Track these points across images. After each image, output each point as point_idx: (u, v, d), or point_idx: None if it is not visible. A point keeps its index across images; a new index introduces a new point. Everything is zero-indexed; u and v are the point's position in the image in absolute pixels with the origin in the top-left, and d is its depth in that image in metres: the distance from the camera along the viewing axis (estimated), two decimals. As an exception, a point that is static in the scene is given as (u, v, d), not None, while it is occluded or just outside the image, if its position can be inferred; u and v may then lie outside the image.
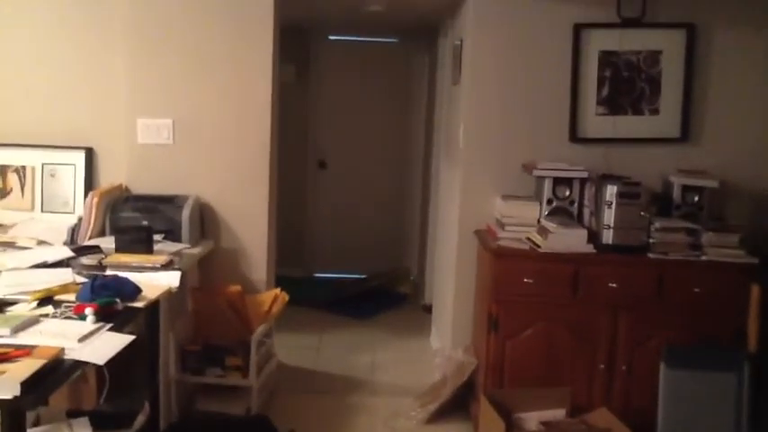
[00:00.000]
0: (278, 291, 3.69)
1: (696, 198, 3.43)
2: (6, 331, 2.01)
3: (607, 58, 3.61)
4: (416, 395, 3.81)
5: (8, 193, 3.63)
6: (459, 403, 3.65)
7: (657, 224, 3.26)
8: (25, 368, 1.75)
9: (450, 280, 3.95)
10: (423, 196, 5.97)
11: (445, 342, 4.09)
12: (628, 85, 3.63)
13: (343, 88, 6.21)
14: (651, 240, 3.25)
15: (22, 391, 1.67)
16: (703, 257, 3.23)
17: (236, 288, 3.47)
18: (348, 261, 6.28)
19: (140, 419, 2.75)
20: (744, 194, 3.65)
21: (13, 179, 3.63)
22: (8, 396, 1.67)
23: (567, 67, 3.62)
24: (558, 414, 3.14)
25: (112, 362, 2.01)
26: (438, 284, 4.77)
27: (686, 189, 3.44)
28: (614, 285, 3.21)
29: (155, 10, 3.59)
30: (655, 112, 3.64)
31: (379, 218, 6.33)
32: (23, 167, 3.63)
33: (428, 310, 5.16)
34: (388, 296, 5.82)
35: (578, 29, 3.59)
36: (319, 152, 6.29)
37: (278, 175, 3.95)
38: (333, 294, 5.70)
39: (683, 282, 3.20)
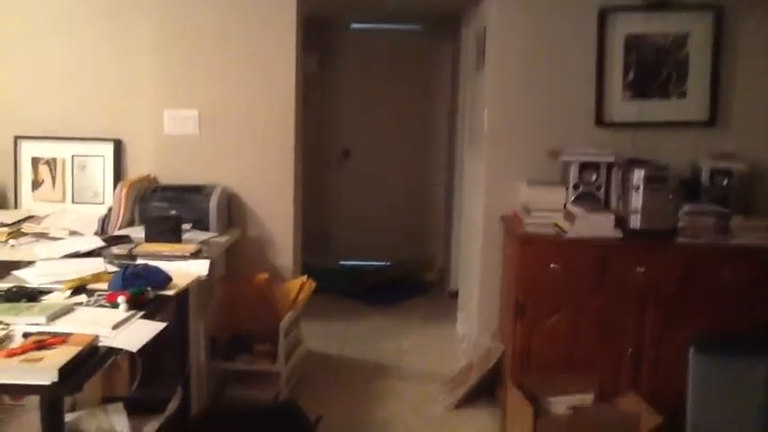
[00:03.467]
0: (304, 278, 3.73)
1: (725, 182, 3.39)
2: (42, 319, 2.06)
3: (633, 42, 3.57)
4: (443, 381, 3.83)
5: (40, 185, 3.70)
6: (486, 389, 3.65)
7: (686, 208, 3.23)
8: (62, 355, 1.80)
9: (476, 266, 3.95)
10: (447, 183, 5.96)
11: (471, 328, 4.10)
12: (654, 69, 3.58)
13: (365, 77, 6.21)
14: (680, 224, 3.22)
15: (59, 378, 1.71)
16: (732, 241, 3.20)
17: (263, 276, 3.51)
18: (373, 249, 6.29)
19: (172, 405, 2.79)
20: (773, 178, 3.61)
21: (44, 171, 3.70)
22: (46, 382, 1.71)
23: (592, 52, 3.59)
24: (585, 399, 3.13)
25: (144, 350, 2.05)
26: (464, 271, 4.77)
27: (715, 173, 3.40)
28: (642, 270, 3.18)
29: (181, 3, 3.63)
30: (682, 95, 3.59)
31: (403, 205, 6.33)
32: (54, 160, 3.69)
33: (454, 296, 5.16)
34: (413, 284, 5.83)
35: (604, 12, 3.55)
36: (343, 141, 6.30)
37: (302, 165, 3.98)
38: (358, 282, 5.72)
39: (711, 266, 3.17)
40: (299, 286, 3.67)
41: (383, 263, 6.17)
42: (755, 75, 3.59)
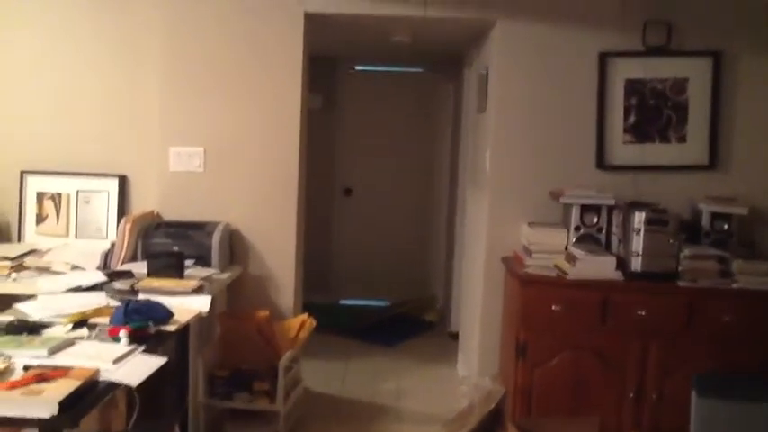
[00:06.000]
0: (305, 316, 3.72)
1: (725, 225, 3.41)
2: (43, 352, 2.06)
3: (633, 86, 3.63)
4: (443, 423, 3.79)
5: (44, 219, 3.72)
6: (486, 431, 3.61)
7: (687, 251, 3.24)
8: (62, 388, 1.79)
9: (477, 307, 3.95)
10: (448, 223, 5.98)
11: (472, 369, 4.08)
12: (654, 113, 3.63)
13: (368, 117, 6.28)
14: (680, 268, 3.23)
15: (59, 410, 1.71)
16: (734, 285, 3.20)
17: (264, 313, 3.51)
18: (374, 288, 6.28)
19: (169, 443, 2.77)
20: (774, 222, 3.63)
21: (48, 206, 3.72)
22: (46, 415, 1.71)
23: (593, 96, 3.64)
24: (587, 443, 3.11)
25: (142, 385, 2.04)
26: (464, 311, 4.76)
27: (715, 216, 3.42)
28: (643, 313, 3.18)
29: (188, 42, 3.70)
30: (682, 139, 3.64)
31: (404, 245, 6.34)
32: (59, 194, 3.72)
33: (454, 337, 5.14)
34: (413, 323, 5.81)
35: (604, 57, 3.62)
36: (345, 180, 6.34)
37: (305, 203, 4.00)
38: (358, 321, 5.70)
39: (713, 310, 3.17)
40: (299, 324, 3.66)
41: (384, 302, 6.15)
42: (754, 119, 3.65)
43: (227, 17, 3.68)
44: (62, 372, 1.91)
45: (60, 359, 2.05)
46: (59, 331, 2.33)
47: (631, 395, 3.22)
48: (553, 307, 3.21)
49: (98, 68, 3.78)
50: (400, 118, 6.27)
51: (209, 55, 3.71)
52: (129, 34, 3.77)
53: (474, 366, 4.00)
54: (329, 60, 6.00)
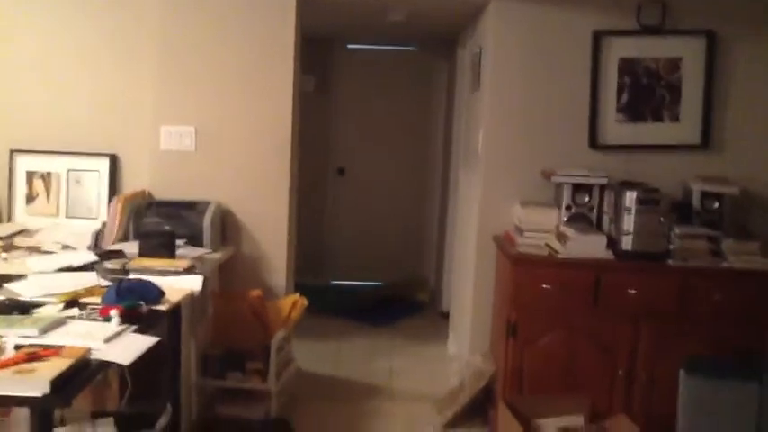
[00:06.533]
0: (297, 296, 3.72)
1: (716, 205, 3.41)
2: (35, 331, 2.05)
3: (627, 66, 3.62)
4: (434, 401, 3.82)
5: (34, 199, 3.70)
6: (477, 409, 3.64)
7: (677, 230, 3.25)
8: (54, 367, 1.79)
9: (469, 286, 3.96)
10: (441, 203, 5.98)
11: (463, 348, 4.10)
12: (648, 93, 3.63)
13: (361, 96, 6.25)
14: (671, 247, 3.25)
15: (51, 390, 1.71)
16: (724, 264, 3.22)
17: (256, 293, 3.51)
18: (366, 269, 6.29)
19: (162, 422, 2.78)
20: (764, 202, 3.63)
21: (38, 185, 3.70)
22: (38, 394, 1.71)
23: (586, 75, 3.63)
24: (576, 421, 3.13)
25: (134, 365, 2.04)
26: (456, 291, 4.77)
27: (706, 196, 3.42)
28: (634, 292, 3.20)
29: (181, 21, 3.66)
30: (675, 119, 3.63)
31: (397, 225, 6.34)
32: (49, 174, 3.70)
33: (445, 316, 5.16)
34: (405, 303, 5.83)
35: (598, 36, 3.60)
36: (338, 160, 6.32)
37: (297, 183, 3.99)
38: (351, 302, 5.72)
39: (703, 289, 3.19)
40: (291, 304, 3.66)
41: (376, 282, 6.16)
42: (747, 99, 3.64)
43: (219, -4, 3.65)
44: (54, 351, 1.91)
45: (52, 338, 2.04)
46: (51, 311, 2.32)
47: (620, 373, 3.24)
48: (544, 286, 3.22)
49: (89, 48, 3.74)
50: (394, 97, 6.24)
51: (201, 34, 3.67)
52: (121, 15, 3.72)
53: (465, 345, 4.02)
54: (323, 40, 5.96)
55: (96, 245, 3.40)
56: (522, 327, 3.26)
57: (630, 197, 3.24)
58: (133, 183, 3.72)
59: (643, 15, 3.58)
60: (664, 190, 3.35)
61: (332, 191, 6.36)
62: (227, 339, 3.50)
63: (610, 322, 3.23)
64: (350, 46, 6.22)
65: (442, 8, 4.16)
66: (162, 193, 3.69)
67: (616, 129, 3.64)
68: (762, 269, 3.19)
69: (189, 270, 2.92)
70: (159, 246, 3.06)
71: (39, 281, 2.64)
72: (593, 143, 3.65)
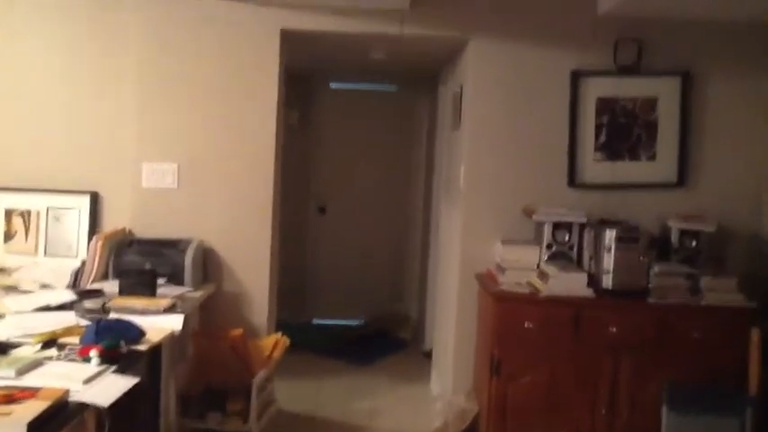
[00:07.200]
0: (279, 335, 3.69)
1: (694, 242, 3.46)
2: (11, 373, 2.02)
3: (604, 105, 3.69)
4: (417, 441, 3.78)
5: (12, 237, 3.66)
6: (460, 449, 3.61)
7: (656, 268, 3.29)
8: (31, 409, 1.76)
9: (451, 324, 3.96)
10: (422, 241, 5.99)
11: (446, 387, 4.07)
12: (625, 132, 3.69)
13: (344, 134, 6.29)
14: (650, 285, 3.28)
15: (27, 433, 1.68)
16: (702, 302, 3.25)
17: (238, 332, 3.47)
18: (348, 306, 6.26)
19: (140, 464, 2.73)
20: (741, 239, 3.70)
21: (17, 223, 3.66)
22: (14, 437, 1.67)
23: (565, 114, 3.70)
24: (560, 460, 3.12)
25: (113, 406, 2.01)
26: (438, 329, 4.76)
27: (684, 233, 3.47)
28: (614, 330, 3.21)
29: (164, 57, 3.69)
30: (652, 157, 3.70)
31: (379, 263, 6.33)
32: (28, 211, 3.67)
33: (428, 355, 5.13)
34: (387, 341, 5.80)
35: (576, 76, 3.68)
36: (320, 197, 6.33)
37: (279, 221, 3.99)
38: (332, 340, 5.68)
39: (682, 326, 3.22)
40: (273, 343, 3.63)
41: (358, 320, 6.13)
42: (722, 137, 3.72)
43: (204, 33, 3.68)
44: (30, 393, 1.88)
45: (29, 380, 2.01)
46: (28, 351, 2.29)
47: (603, 411, 3.24)
48: (526, 324, 3.23)
49: (70, 84, 3.74)
50: (375, 136, 6.29)
51: (184, 70, 3.69)
52: (103, 48, 3.74)
53: (448, 384, 3.99)
54: (305, 78, 6.01)
55: (75, 284, 3.36)
56: (506, 364, 3.26)
57: (610, 235, 3.28)
58: (114, 220, 3.70)
59: (620, 55, 3.66)
60: (642, 227, 3.40)
61: (313, 229, 6.35)
62: (208, 379, 3.46)
63: (591, 359, 3.24)
64: (333, 85, 6.28)
65: (422, 47, 4.23)
66: (143, 231, 3.67)
67: (594, 167, 3.70)
68: (739, 305, 3.23)
69: (170, 309, 2.89)
70: (140, 284, 3.04)
71: (16, 321, 2.60)
72: (572, 181, 3.70)
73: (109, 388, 2.04)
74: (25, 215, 3.67)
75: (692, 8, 3.45)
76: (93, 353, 2.20)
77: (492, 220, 3.74)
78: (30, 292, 3.15)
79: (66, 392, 1.92)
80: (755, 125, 3.72)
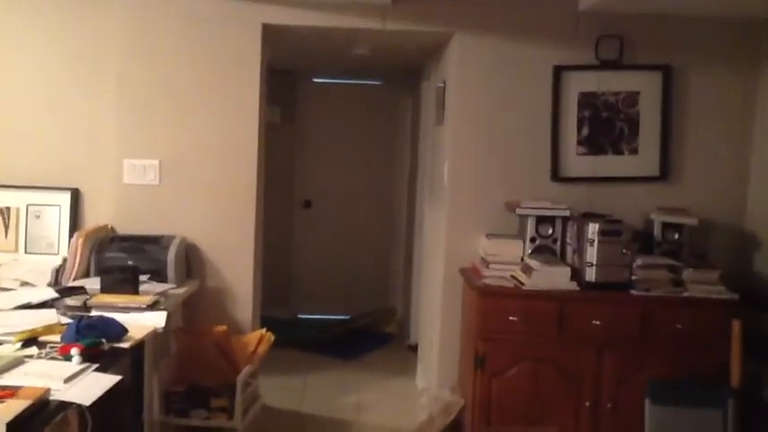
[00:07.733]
0: (263, 331, 3.68)
1: (676, 235, 3.48)
2: (-9, 372, 2.00)
3: (586, 99, 3.70)
4: (403, 435, 3.79)
5: (-8, 235, 3.62)
6: (445, 443, 3.62)
7: (639, 261, 3.31)
8: (10, 409, 1.74)
9: (436, 318, 3.96)
10: (407, 236, 6.00)
11: (431, 381, 4.08)
12: (607, 126, 3.71)
13: (327, 129, 6.28)
14: (633, 277, 3.30)
15: (7, 433, 1.66)
16: (685, 294, 3.28)
17: (221, 328, 3.46)
18: (333, 301, 6.25)
19: (124, 463, 2.71)
20: (722, 231, 3.73)
21: (-3, 220, 3.62)
22: (-7, 438, 1.66)
23: (547, 108, 3.70)
24: (545, 452, 3.14)
25: (95, 405, 1.99)
26: (423, 323, 4.77)
27: (666, 227, 3.50)
28: (598, 323, 3.23)
29: (144, 53, 3.65)
30: (634, 151, 3.71)
31: (363, 258, 6.33)
32: (8, 208, 3.62)
33: (413, 349, 5.14)
34: (373, 336, 5.80)
35: (558, 71, 3.68)
36: (304, 192, 6.32)
37: (263, 215, 3.97)
38: (318, 335, 5.67)
39: (665, 318, 3.24)
40: (257, 339, 3.62)
41: (343, 315, 6.13)
42: (704, 131, 3.74)
43: (184, 29, 3.64)
44: (11, 392, 1.86)
45: (9, 379, 1.99)
46: (8, 350, 2.27)
47: (587, 404, 3.26)
48: (510, 317, 3.24)
49: (51, 80, 3.70)
50: (359, 130, 6.28)
51: (165, 66, 3.66)
52: (84, 45, 3.69)
53: (433, 378, 4.00)
54: (288, 73, 5.98)
55: (56, 281, 3.33)
56: (490, 358, 3.27)
57: (593, 229, 3.29)
58: (95, 217, 3.67)
59: (601, 50, 3.67)
60: (625, 220, 3.41)
61: (298, 223, 6.33)
62: (192, 376, 3.44)
63: (575, 352, 3.26)
64: (315, 79, 6.26)
65: (405, 42, 4.22)
66: (125, 228, 3.64)
67: (577, 161, 3.71)
68: (721, 297, 3.25)
69: (152, 306, 2.87)
70: (122, 281, 3.01)
71: (-4, 319, 2.57)
72: (555, 175, 3.71)
73: (90, 386, 2.02)
74: (5, 212, 3.62)
75: (671, 3, 3.46)
76: (75, 351, 2.18)
77: (476, 214, 3.74)
78: (10, 289, 3.13)
79: (47, 391, 1.91)
80: (736, 118, 3.75)
